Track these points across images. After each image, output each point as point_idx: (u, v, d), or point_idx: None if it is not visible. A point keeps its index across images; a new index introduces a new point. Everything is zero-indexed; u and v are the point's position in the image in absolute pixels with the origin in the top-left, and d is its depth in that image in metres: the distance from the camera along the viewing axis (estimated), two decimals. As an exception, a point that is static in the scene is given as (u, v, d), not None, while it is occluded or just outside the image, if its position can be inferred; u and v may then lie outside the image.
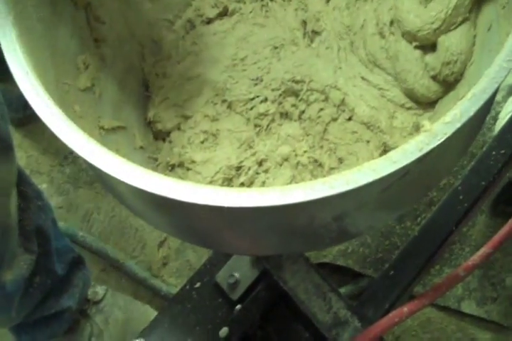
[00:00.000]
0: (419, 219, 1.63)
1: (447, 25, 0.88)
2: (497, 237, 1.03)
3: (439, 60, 0.88)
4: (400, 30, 0.93)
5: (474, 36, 0.86)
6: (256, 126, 0.95)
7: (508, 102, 1.71)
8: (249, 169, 0.90)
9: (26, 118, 1.88)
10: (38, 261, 1.26)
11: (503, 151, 1.10)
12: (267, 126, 0.95)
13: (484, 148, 1.13)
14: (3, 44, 0.65)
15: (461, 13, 0.86)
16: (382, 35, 0.96)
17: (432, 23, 0.88)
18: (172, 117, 0.98)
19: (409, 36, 0.92)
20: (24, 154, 1.94)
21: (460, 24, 0.87)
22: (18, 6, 0.68)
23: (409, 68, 0.92)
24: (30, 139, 1.96)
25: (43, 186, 1.88)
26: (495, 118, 1.71)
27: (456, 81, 0.88)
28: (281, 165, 0.89)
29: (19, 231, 1.21)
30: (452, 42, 0.87)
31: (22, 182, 1.24)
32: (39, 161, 1.94)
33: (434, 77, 0.91)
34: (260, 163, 0.89)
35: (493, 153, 1.10)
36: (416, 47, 0.92)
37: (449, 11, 0.86)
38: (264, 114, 0.95)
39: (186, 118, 0.98)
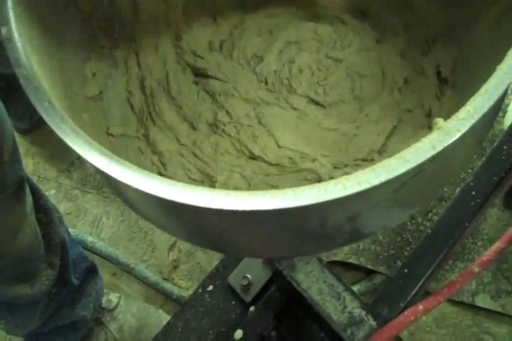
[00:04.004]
0: (430, 214, 1.63)
1: None
2: (511, 231, 1.02)
3: None
4: None
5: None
6: None
7: (517, 94, 1.70)
8: None
9: (32, 125, 1.88)
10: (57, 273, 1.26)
11: (514, 146, 1.09)
12: None
13: (495, 143, 1.12)
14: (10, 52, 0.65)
15: None
16: None
17: None
18: None
19: None
20: (31, 161, 1.94)
21: None
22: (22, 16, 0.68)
23: None
24: (36, 146, 1.96)
25: (51, 192, 1.88)
26: (503, 111, 1.70)
27: None
28: None
29: (44, 247, 1.21)
30: None
31: (41, 196, 1.24)
32: (46, 168, 1.94)
33: None
34: None
35: (505, 147, 1.09)
36: None
37: None
38: None
39: None
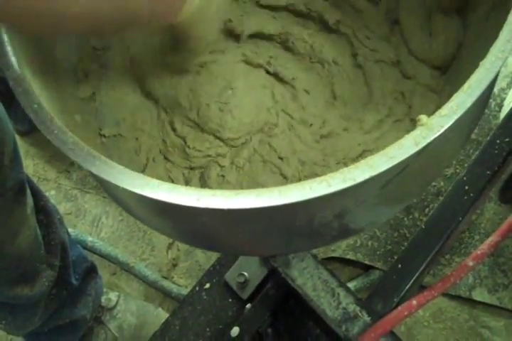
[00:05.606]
0: (427, 209, 1.63)
1: None
2: (505, 225, 1.03)
3: None
4: None
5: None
6: None
7: (513, 89, 1.71)
8: None
9: (31, 127, 1.88)
10: (57, 274, 1.27)
11: (507, 139, 1.09)
12: None
13: (488, 137, 1.12)
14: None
15: None
16: None
17: None
18: None
19: None
20: (31, 162, 1.95)
21: None
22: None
23: None
24: (36, 147, 1.97)
25: (51, 193, 1.89)
26: (500, 106, 1.70)
27: None
28: None
29: (44, 248, 1.21)
30: None
31: (41, 197, 1.24)
32: (46, 168, 1.95)
33: None
34: None
35: (498, 141, 1.09)
36: None
37: None
38: None
39: None
